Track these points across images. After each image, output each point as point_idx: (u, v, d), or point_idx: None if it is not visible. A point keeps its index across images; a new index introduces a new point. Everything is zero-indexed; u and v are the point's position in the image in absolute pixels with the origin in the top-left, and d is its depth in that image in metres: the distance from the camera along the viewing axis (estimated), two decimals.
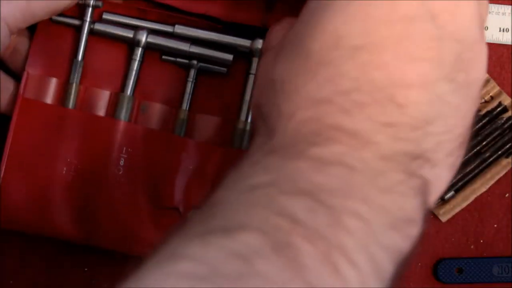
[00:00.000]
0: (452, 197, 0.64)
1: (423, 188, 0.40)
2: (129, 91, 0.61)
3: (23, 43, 0.61)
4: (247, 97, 0.61)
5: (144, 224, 0.60)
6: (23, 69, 0.61)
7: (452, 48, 0.40)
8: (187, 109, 0.62)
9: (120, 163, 0.60)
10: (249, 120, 0.61)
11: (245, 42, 0.61)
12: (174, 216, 0.61)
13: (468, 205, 0.64)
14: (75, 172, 0.60)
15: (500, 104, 0.64)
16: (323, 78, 0.40)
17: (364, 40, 0.39)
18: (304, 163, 0.38)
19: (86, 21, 0.61)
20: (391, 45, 0.39)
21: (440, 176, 0.41)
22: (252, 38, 0.61)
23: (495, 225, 0.65)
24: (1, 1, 0.55)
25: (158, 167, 0.60)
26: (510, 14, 0.65)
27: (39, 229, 0.60)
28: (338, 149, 0.38)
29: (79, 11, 0.61)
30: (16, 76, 0.62)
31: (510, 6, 0.65)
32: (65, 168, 0.60)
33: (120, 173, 0.60)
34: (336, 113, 0.39)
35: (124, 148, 0.60)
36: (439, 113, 0.40)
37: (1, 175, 0.60)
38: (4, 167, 0.60)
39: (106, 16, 0.61)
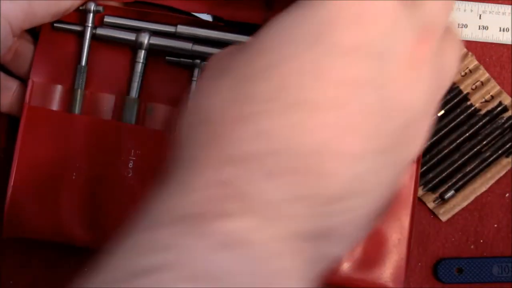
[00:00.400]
0: (452, 196, 0.64)
1: (321, 267, 0.38)
2: (134, 93, 0.61)
3: (25, 47, 0.61)
4: None
5: None
6: (26, 73, 0.61)
7: (394, 123, 0.37)
8: None
9: (129, 165, 0.60)
10: None
11: (248, 39, 0.61)
12: None
13: (468, 204, 0.64)
14: (85, 177, 0.60)
15: (500, 103, 0.64)
16: (253, 131, 0.36)
17: (305, 96, 0.36)
18: (207, 242, 0.35)
19: (88, 26, 0.60)
20: (331, 109, 0.36)
21: (343, 251, 0.39)
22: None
23: (495, 225, 0.65)
24: (2, 0, 0.55)
25: None
26: (510, 14, 0.65)
27: (51, 235, 0.60)
28: (245, 224, 0.35)
29: (80, 17, 0.61)
30: (20, 80, 0.62)
31: (510, 6, 0.65)
32: (74, 174, 0.60)
33: (130, 175, 0.60)
34: (254, 178, 0.36)
35: (133, 151, 0.60)
36: (360, 188, 0.37)
37: (11, 184, 0.60)
38: (13, 175, 0.60)
39: (107, 19, 0.61)
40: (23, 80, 0.61)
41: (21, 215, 0.60)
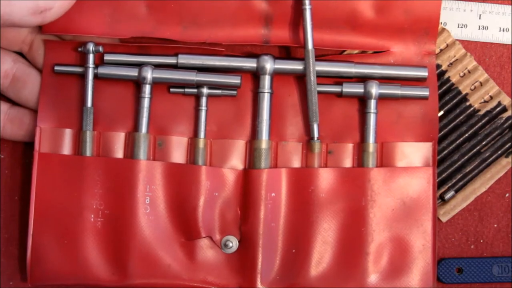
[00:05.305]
0: (452, 197, 0.64)
1: None
2: (143, 129, 0.61)
3: (22, 72, 0.61)
4: (264, 116, 0.61)
5: (178, 258, 0.61)
6: (27, 100, 0.61)
7: None
8: (204, 137, 0.62)
9: (146, 201, 0.60)
10: (268, 138, 0.61)
11: (251, 62, 0.61)
12: (207, 246, 0.61)
13: (468, 205, 0.64)
14: (103, 218, 0.60)
15: (499, 103, 0.64)
16: None
17: None
18: None
19: (89, 67, 0.60)
20: None
21: None
22: (257, 56, 0.62)
23: (495, 225, 0.65)
24: None
25: (184, 199, 0.61)
26: (510, 14, 0.65)
27: (76, 279, 0.60)
28: None
29: (81, 57, 0.61)
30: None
31: (510, 6, 0.65)
32: (92, 215, 0.60)
33: (148, 211, 0.60)
34: None
35: (148, 186, 0.60)
36: None
37: (30, 232, 0.60)
38: (31, 224, 0.60)
39: (107, 57, 0.61)
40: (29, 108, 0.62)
41: (44, 263, 0.60)
